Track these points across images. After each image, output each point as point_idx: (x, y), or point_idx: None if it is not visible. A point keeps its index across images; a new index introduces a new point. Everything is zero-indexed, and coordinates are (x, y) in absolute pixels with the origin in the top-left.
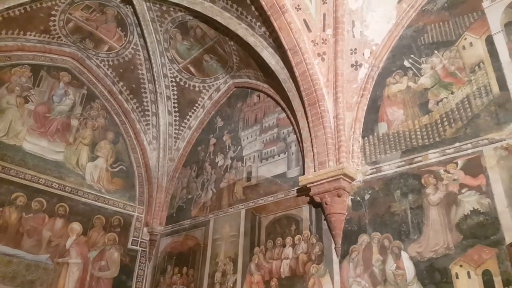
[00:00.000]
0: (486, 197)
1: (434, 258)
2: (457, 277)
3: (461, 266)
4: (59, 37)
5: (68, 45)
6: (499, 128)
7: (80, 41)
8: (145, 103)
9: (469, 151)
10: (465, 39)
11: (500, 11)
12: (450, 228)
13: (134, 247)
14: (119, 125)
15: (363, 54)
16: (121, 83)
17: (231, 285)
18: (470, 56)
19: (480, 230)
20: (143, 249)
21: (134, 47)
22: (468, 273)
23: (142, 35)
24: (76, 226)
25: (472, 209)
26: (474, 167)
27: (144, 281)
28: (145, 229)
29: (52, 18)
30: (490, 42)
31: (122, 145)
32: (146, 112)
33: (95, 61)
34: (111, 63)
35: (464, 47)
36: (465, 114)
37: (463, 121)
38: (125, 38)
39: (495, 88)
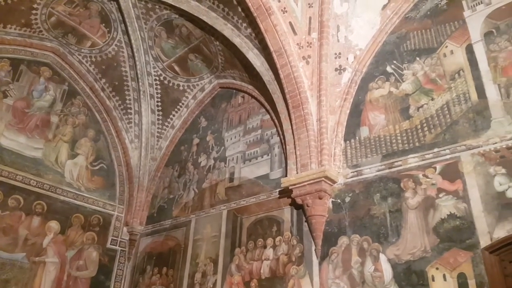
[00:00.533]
0: (463, 202)
1: (412, 260)
2: (433, 279)
3: (437, 269)
4: (41, 31)
5: (50, 39)
6: (477, 135)
7: (62, 36)
8: (127, 101)
9: (447, 156)
10: (446, 47)
11: (481, 21)
12: (427, 232)
13: (113, 246)
14: (100, 123)
15: (347, 58)
16: (103, 80)
17: (211, 285)
18: (450, 64)
19: (456, 234)
20: (123, 249)
21: (118, 44)
22: (444, 275)
23: (126, 32)
24: (54, 225)
25: (449, 213)
26: (452, 172)
27: (122, 281)
28: (124, 229)
29: (34, 12)
30: (470, 51)
31: (103, 143)
32: (129, 110)
33: (77, 57)
34: (93, 59)
35: (445, 55)
36: (444, 121)
37: (442, 127)
38: (109, 35)
39: (474, 96)
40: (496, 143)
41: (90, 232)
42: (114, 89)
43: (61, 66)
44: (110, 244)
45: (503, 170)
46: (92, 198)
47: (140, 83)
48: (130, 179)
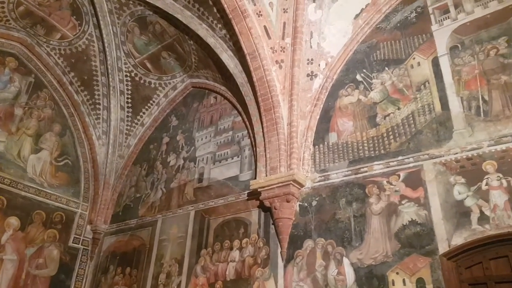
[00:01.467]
0: (424, 209)
1: (373, 265)
2: (393, 284)
3: (397, 273)
4: (8, 20)
5: (17, 29)
6: (439, 144)
7: (30, 26)
8: (96, 96)
9: (411, 164)
10: (414, 58)
11: (447, 35)
12: (389, 237)
13: (76, 245)
14: (67, 117)
15: (319, 65)
16: (72, 74)
17: (175, 286)
18: (417, 75)
19: (416, 240)
20: (85, 247)
21: (89, 37)
22: (404, 280)
23: (98, 26)
24: (14, 221)
25: (410, 219)
26: (415, 180)
27: (84, 280)
28: (88, 227)
29: (1, 0)
30: (436, 64)
31: (69, 138)
32: (97, 106)
33: (45, 49)
34: (62, 52)
35: (412, 66)
36: (409, 130)
37: (407, 136)
38: (80, 28)
39: (438, 107)
40: (457, 153)
41: (52, 229)
42: (83, 83)
43: (28, 57)
44: (73, 243)
45: (463, 180)
46: (55, 194)
47: (110, 79)
48: (96, 176)
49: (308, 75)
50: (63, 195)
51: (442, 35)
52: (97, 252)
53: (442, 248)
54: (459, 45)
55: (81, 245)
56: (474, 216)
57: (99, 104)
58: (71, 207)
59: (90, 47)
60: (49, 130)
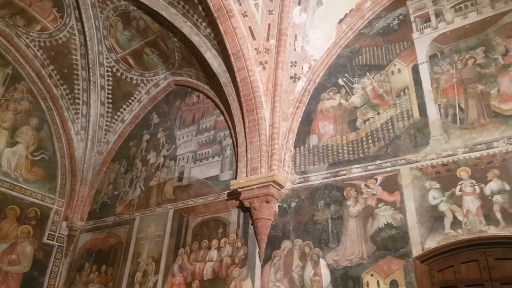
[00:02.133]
0: (399, 213)
1: (349, 266)
2: (367, 285)
3: (372, 275)
4: None
5: None
6: (416, 150)
7: (9, 16)
8: (76, 91)
9: (388, 169)
10: (395, 65)
11: (427, 44)
12: (365, 239)
13: (50, 241)
14: (45, 111)
15: (302, 68)
16: (51, 67)
17: (152, 285)
18: (397, 82)
19: (391, 243)
20: (60, 244)
21: (70, 30)
22: (378, 282)
23: (80, 19)
24: None
25: (386, 222)
26: (391, 184)
27: (58, 278)
28: (64, 224)
29: None
30: (415, 71)
31: (46, 133)
32: (77, 100)
33: (24, 40)
34: (42, 44)
35: (393, 73)
36: (387, 135)
37: (386, 140)
38: (61, 20)
39: (416, 113)
40: (433, 159)
41: (26, 225)
42: (62, 77)
43: (6, 48)
44: (47, 239)
45: (438, 185)
46: (30, 189)
47: (91, 73)
48: (73, 172)
49: (291, 77)
50: (38, 191)
51: (422, 43)
52: (72, 250)
53: (416, 251)
54: (438, 53)
55: (56, 242)
56: (448, 221)
57: (78, 99)
58: (47, 203)
59: (71, 40)
60: (26, 124)
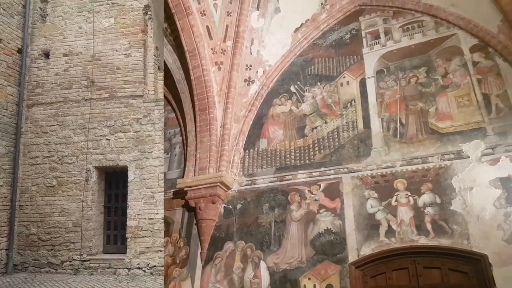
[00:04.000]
0: (339, 219)
1: (288, 269)
2: None
3: (309, 279)
4: None
5: None
6: (358, 160)
7: None
8: None
9: (331, 176)
10: (344, 77)
11: (375, 59)
12: (305, 243)
13: None
14: None
15: (257, 72)
16: None
17: None
18: (345, 93)
19: (329, 248)
20: None
21: None
22: (315, 285)
23: None
24: None
25: (326, 228)
26: (333, 191)
27: None
28: None
29: None
30: (363, 84)
31: None
32: None
33: None
34: None
35: (342, 84)
36: (333, 143)
37: (331, 149)
38: None
39: (360, 125)
40: (373, 169)
41: None
42: None
43: None
44: None
45: (376, 195)
46: None
47: None
48: None
49: (245, 80)
50: None
51: (371, 58)
52: None
53: (352, 257)
54: (385, 69)
55: None
56: (383, 229)
57: None
58: None
59: None
60: None
